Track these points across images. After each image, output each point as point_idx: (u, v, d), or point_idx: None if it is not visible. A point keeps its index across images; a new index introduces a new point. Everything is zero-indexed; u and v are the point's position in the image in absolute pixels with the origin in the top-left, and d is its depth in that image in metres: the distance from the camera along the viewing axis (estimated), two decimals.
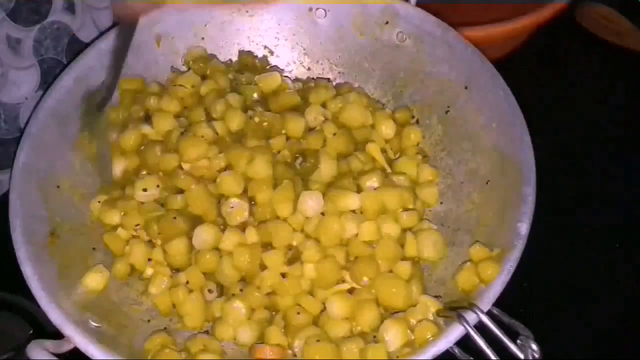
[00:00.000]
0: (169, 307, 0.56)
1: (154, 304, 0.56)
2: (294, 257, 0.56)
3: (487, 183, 0.59)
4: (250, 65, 0.70)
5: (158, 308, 0.56)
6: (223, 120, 0.62)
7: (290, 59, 0.73)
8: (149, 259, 0.57)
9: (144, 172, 0.61)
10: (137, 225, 0.58)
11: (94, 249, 0.58)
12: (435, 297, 0.54)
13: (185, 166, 0.60)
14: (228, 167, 0.60)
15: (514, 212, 0.53)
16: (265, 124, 0.62)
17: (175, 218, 0.57)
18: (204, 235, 0.56)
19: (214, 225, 0.57)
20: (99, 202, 0.60)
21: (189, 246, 0.57)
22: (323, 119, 0.63)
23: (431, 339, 0.49)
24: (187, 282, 0.56)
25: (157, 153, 0.61)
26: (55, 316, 0.49)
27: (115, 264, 0.57)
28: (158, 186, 0.59)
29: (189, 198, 0.58)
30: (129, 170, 0.62)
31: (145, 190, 0.59)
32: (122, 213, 0.58)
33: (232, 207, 0.57)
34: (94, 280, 0.55)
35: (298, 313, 0.53)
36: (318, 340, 0.51)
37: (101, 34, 0.67)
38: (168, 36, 0.68)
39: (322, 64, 0.72)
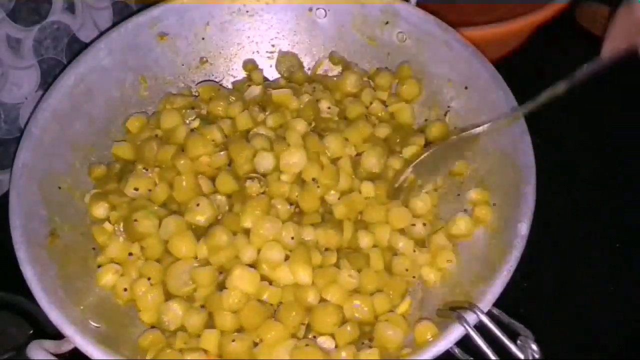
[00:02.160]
0: (126, 300, 0.56)
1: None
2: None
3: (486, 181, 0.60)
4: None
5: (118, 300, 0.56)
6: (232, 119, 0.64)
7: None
8: (130, 254, 0.57)
9: (141, 167, 0.61)
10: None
11: (93, 248, 0.58)
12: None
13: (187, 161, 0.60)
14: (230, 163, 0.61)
15: (514, 212, 0.54)
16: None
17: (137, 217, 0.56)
18: (168, 226, 0.56)
19: (181, 219, 0.57)
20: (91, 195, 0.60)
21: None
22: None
23: (431, 339, 0.49)
24: (149, 278, 0.56)
25: (154, 147, 0.61)
26: (55, 316, 0.49)
27: (100, 256, 0.57)
28: (150, 190, 0.59)
29: (177, 183, 0.58)
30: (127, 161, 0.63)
31: (136, 189, 0.59)
32: (111, 207, 0.59)
33: (198, 206, 0.57)
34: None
35: (233, 340, 0.52)
36: (307, 345, 0.51)
37: (101, 34, 0.67)
38: (168, 36, 0.68)
39: (322, 63, 0.72)
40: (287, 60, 0.72)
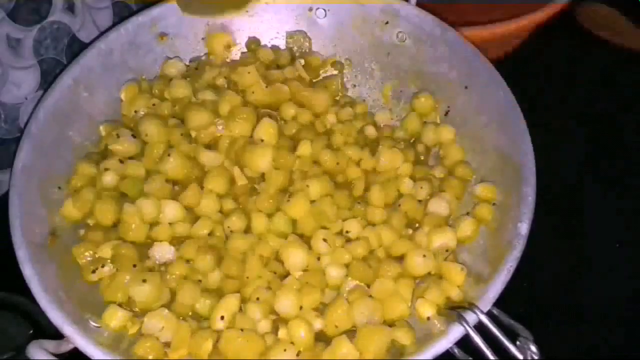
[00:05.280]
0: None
1: None
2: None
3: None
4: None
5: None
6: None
7: None
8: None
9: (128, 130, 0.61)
10: None
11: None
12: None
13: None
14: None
15: (514, 212, 0.54)
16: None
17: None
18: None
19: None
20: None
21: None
22: None
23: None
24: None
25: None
26: (55, 316, 0.49)
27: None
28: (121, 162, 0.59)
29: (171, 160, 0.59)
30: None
31: (106, 169, 0.58)
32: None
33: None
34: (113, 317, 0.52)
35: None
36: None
37: (101, 34, 0.67)
38: (168, 36, 0.68)
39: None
40: (296, 41, 0.71)
